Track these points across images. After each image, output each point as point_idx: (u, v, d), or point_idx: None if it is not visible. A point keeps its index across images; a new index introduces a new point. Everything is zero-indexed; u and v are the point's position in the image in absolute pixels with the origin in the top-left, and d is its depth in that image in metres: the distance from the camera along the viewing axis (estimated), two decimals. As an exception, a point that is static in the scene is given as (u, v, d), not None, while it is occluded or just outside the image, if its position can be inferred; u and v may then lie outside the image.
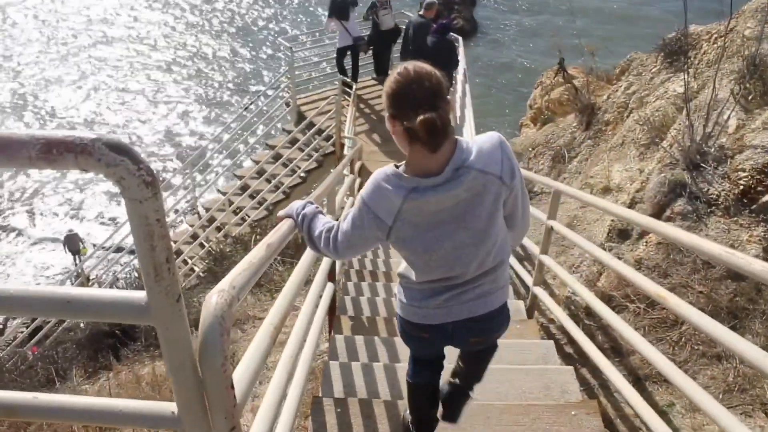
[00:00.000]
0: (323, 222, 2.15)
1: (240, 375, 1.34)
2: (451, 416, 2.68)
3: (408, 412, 2.81)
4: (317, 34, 15.52)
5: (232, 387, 1.17)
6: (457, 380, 2.67)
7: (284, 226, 2.12)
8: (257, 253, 1.48)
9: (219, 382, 1.13)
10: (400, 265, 2.21)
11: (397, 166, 1.91)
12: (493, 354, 2.57)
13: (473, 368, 2.64)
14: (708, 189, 4.33)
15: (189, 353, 1.09)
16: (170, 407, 1.18)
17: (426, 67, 1.86)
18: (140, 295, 1.04)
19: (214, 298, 1.16)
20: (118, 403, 1.20)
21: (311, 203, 2.27)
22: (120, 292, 1.06)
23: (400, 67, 1.89)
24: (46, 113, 17.19)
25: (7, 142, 0.83)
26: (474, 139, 1.93)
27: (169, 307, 1.01)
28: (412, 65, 1.86)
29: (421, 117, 1.75)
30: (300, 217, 2.20)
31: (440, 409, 2.70)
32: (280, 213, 2.31)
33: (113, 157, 0.85)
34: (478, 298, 2.09)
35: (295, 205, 2.28)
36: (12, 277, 12.31)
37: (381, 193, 1.89)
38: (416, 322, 2.20)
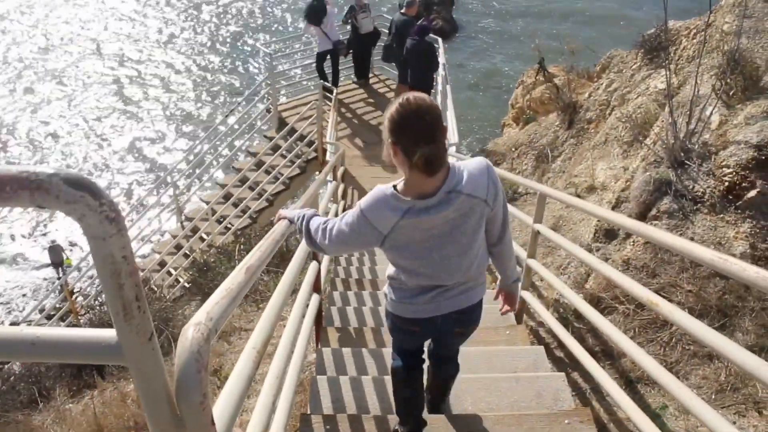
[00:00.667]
0: (321, 220, 2.40)
1: (221, 409, 1.28)
2: (434, 407, 3.09)
3: (396, 423, 2.94)
4: (298, 39, 15.42)
5: (213, 423, 1.11)
6: (435, 377, 3.00)
7: (280, 226, 2.49)
8: (235, 278, 1.41)
9: (198, 420, 1.06)
10: (389, 268, 2.43)
11: (395, 186, 2.14)
12: (458, 368, 2.94)
13: (443, 376, 2.98)
14: (693, 186, 4.31)
15: (165, 391, 1.03)
16: (148, 447, 1.11)
17: (426, 99, 2.04)
18: (110, 333, 0.97)
19: (190, 332, 1.10)
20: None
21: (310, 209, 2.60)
22: (89, 332, 0.99)
23: (401, 98, 2.06)
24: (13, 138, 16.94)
25: (-45, 180, 0.76)
26: (464, 164, 2.18)
27: (140, 346, 0.95)
28: (413, 96, 2.04)
29: (419, 152, 1.97)
30: (299, 215, 2.50)
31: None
32: (281, 212, 2.67)
33: (72, 193, 0.78)
34: (461, 293, 2.38)
35: (295, 209, 2.68)
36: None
37: (380, 211, 2.12)
38: (408, 317, 2.44)
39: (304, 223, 2.45)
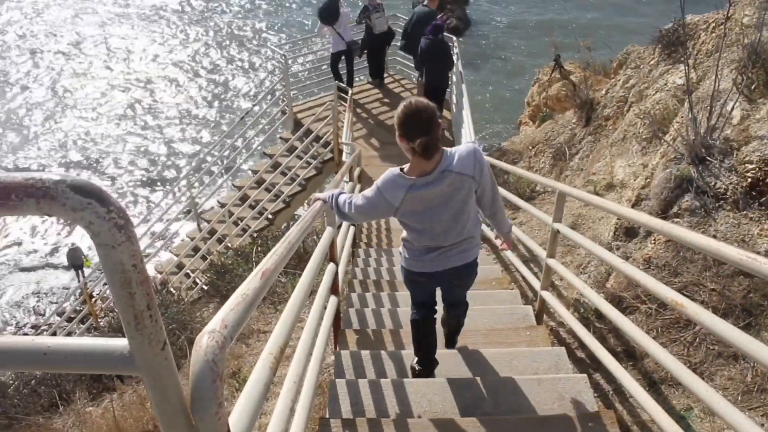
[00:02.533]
0: (347, 196, 3.14)
1: (238, 418, 1.25)
2: (450, 343, 3.94)
3: (414, 361, 3.67)
4: (311, 40, 15.39)
5: (230, 433, 1.08)
6: (447, 319, 3.79)
7: (316, 205, 3.26)
8: (251, 284, 1.38)
9: (214, 430, 1.04)
10: (402, 232, 3.18)
11: (401, 168, 2.86)
12: (467, 308, 3.71)
13: (453, 312, 3.71)
14: (715, 183, 4.23)
15: (179, 401, 1.00)
16: (162, 458, 1.08)
17: (423, 101, 2.76)
18: (122, 343, 0.94)
19: (204, 340, 1.07)
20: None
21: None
22: (100, 342, 0.97)
23: (405, 101, 2.77)
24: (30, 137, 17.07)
25: (-41, 188, 0.74)
26: (456, 149, 2.87)
27: (153, 356, 0.92)
28: (414, 99, 2.77)
29: (418, 140, 2.67)
30: (330, 195, 3.24)
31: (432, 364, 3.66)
32: (316, 195, 3.42)
33: (79, 201, 0.76)
34: (458, 254, 3.10)
35: (327, 191, 3.41)
36: (8, 296, 12.11)
37: (390, 187, 2.84)
38: (416, 271, 3.21)
39: (333, 200, 3.19)
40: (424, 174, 2.77)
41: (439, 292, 3.55)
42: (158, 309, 0.91)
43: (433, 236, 2.99)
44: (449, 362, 3.72)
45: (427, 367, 3.60)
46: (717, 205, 4.16)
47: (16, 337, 1.00)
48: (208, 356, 1.03)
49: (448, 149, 2.84)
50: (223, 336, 1.10)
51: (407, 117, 2.72)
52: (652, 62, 7.36)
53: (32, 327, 10.82)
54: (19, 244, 13.46)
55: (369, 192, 2.93)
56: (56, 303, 11.36)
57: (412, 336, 3.62)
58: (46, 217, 0.79)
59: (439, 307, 3.68)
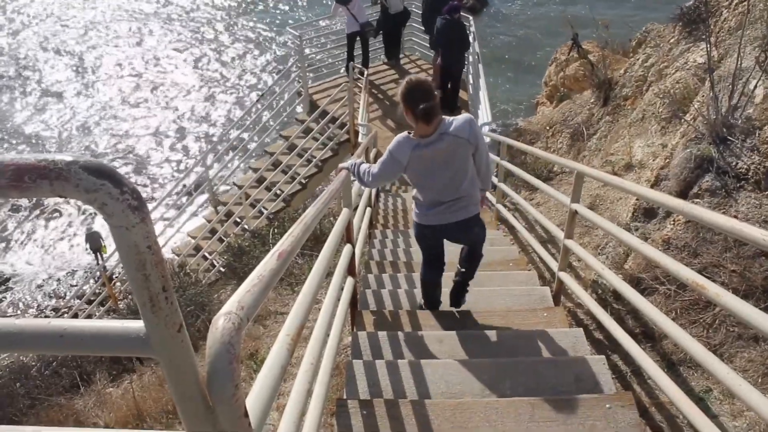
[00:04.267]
0: (367, 165, 3.76)
1: (255, 400, 1.25)
2: (456, 303, 4.30)
3: (422, 301, 4.41)
4: (329, 21, 15.27)
5: (246, 415, 1.07)
6: (458, 278, 4.20)
7: (342, 173, 3.75)
8: (267, 265, 1.37)
9: (231, 412, 1.03)
10: (413, 190, 3.78)
11: (409, 133, 3.48)
12: (480, 258, 4.09)
13: (467, 268, 4.11)
14: (736, 163, 4.16)
15: (196, 383, 1.00)
16: (181, 439, 1.08)
17: (421, 77, 3.46)
18: (138, 325, 0.94)
19: (220, 322, 1.06)
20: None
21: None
22: (116, 324, 0.97)
23: (407, 78, 3.43)
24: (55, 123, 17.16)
25: (-27, 169, 0.73)
26: (454, 117, 3.46)
27: (170, 339, 0.92)
28: (414, 77, 3.45)
29: (421, 107, 3.28)
30: (353, 165, 3.86)
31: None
32: (341, 165, 3.96)
33: (92, 182, 0.75)
34: (460, 209, 3.63)
35: (350, 161, 4.00)
36: (29, 280, 12.21)
37: (400, 148, 3.46)
38: (425, 224, 3.76)
39: (355, 169, 3.80)
40: (426, 135, 3.39)
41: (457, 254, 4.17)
42: (174, 291, 0.91)
43: (436, 191, 3.57)
44: (467, 343, 3.71)
45: (432, 309, 4.38)
46: (738, 185, 4.09)
47: (34, 320, 1.00)
48: (224, 338, 1.03)
49: (447, 117, 3.44)
50: (239, 318, 1.09)
51: (410, 89, 3.34)
52: (672, 41, 7.24)
53: (53, 310, 10.94)
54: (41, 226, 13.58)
55: (383, 158, 3.55)
56: (76, 286, 11.47)
57: (421, 290, 4.36)
58: (59, 199, 0.79)
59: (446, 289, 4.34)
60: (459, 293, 4.25)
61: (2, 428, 1.11)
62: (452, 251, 4.13)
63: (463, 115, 3.48)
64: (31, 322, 0.98)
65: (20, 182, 0.74)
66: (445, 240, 3.97)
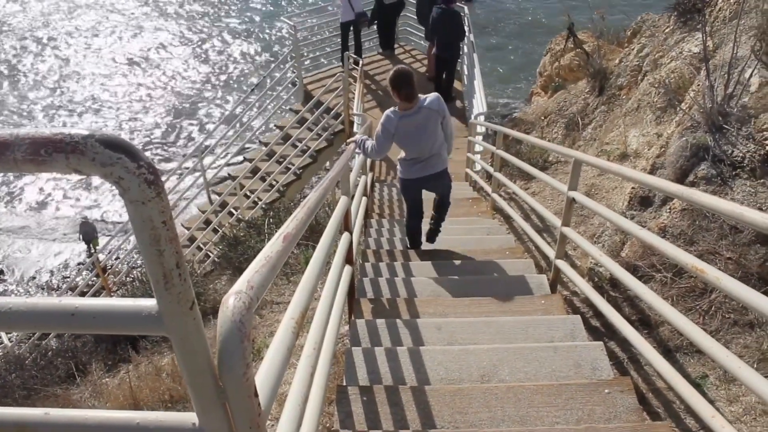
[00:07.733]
0: (371, 141, 4.96)
1: (263, 379, 1.25)
2: (431, 240, 5.73)
3: (408, 242, 5.87)
4: (322, 10, 15.20)
5: (256, 395, 1.08)
6: (432, 222, 5.61)
7: (351, 146, 4.93)
8: (274, 246, 1.37)
9: (241, 391, 1.04)
10: (400, 153, 5.02)
11: (394, 108, 4.71)
12: (448, 206, 5.57)
13: (438, 214, 5.56)
14: (732, 151, 4.17)
15: (207, 362, 1.00)
16: (191, 418, 1.08)
17: (405, 68, 4.67)
18: (150, 303, 0.94)
19: (231, 301, 1.06)
20: (134, 415, 1.11)
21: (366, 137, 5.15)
22: (128, 302, 0.96)
23: (394, 68, 4.63)
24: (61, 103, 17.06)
25: (-11, 143, 0.73)
26: (427, 95, 4.72)
27: (182, 315, 0.92)
28: (399, 67, 4.66)
29: (404, 90, 4.56)
30: (359, 140, 5.08)
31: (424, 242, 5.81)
32: (350, 140, 5.29)
33: (109, 155, 0.74)
34: (434, 164, 5.00)
35: (358, 136, 5.23)
36: (22, 271, 12.14)
37: (389, 120, 4.69)
38: (408, 178, 5.10)
39: (361, 143, 5.02)
40: (407, 110, 4.66)
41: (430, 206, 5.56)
42: (187, 267, 0.91)
43: (417, 150, 4.85)
44: (466, 330, 3.72)
45: (415, 247, 5.79)
46: (734, 173, 4.10)
47: (45, 298, 1.00)
48: (235, 317, 1.03)
49: (422, 96, 4.71)
50: (249, 297, 1.09)
51: (396, 77, 4.56)
52: (667, 30, 7.24)
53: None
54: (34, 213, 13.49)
55: (377, 130, 4.81)
56: (69, 277, 11.42)
57: (406, 234, 5.79)
58: (73, 175, 0.78)
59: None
60: (433, 233, 5.67)
61: (11, 410, 1.11)
62: (428, 207, 5.53)
63: (433, 94, 4.79)
64: (42, 301, 0.98)
65: (36, 155, 0.73)
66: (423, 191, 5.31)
